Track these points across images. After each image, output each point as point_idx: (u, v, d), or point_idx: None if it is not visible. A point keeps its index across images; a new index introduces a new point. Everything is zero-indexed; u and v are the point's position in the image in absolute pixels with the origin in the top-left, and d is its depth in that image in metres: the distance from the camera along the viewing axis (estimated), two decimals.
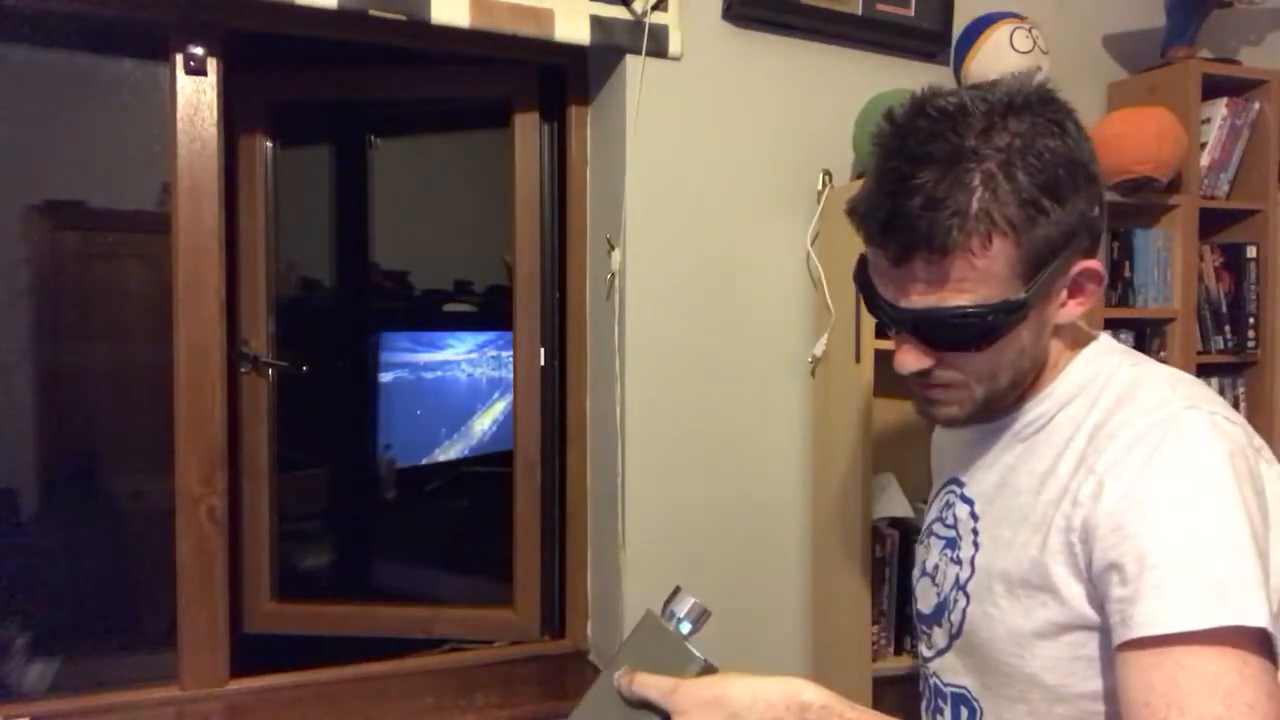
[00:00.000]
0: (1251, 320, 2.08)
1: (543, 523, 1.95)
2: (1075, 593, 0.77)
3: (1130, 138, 1.83)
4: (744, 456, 1.81)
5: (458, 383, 2.47)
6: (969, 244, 0.74)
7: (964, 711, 0.90)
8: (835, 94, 1.83)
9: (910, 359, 0.83)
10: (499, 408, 2.46)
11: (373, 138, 2.37)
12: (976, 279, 0.75)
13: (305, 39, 1.65)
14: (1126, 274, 1.97)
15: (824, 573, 1.83)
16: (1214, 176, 2.07)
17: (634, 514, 1.72)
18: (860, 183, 0.83)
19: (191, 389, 1.66)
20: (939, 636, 0.93)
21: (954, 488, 0.97)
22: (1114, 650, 0.71)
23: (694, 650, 0.71)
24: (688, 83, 1.73)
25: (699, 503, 1.77)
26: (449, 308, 2.58)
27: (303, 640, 1.95)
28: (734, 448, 1.80)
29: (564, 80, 1.87)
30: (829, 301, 1.77)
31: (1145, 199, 1.94)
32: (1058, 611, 0.78)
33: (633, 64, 1.69)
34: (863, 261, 0.85)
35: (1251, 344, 2.08)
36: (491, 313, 2.43)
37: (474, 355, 2.47)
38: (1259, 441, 0.77)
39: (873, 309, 0.84)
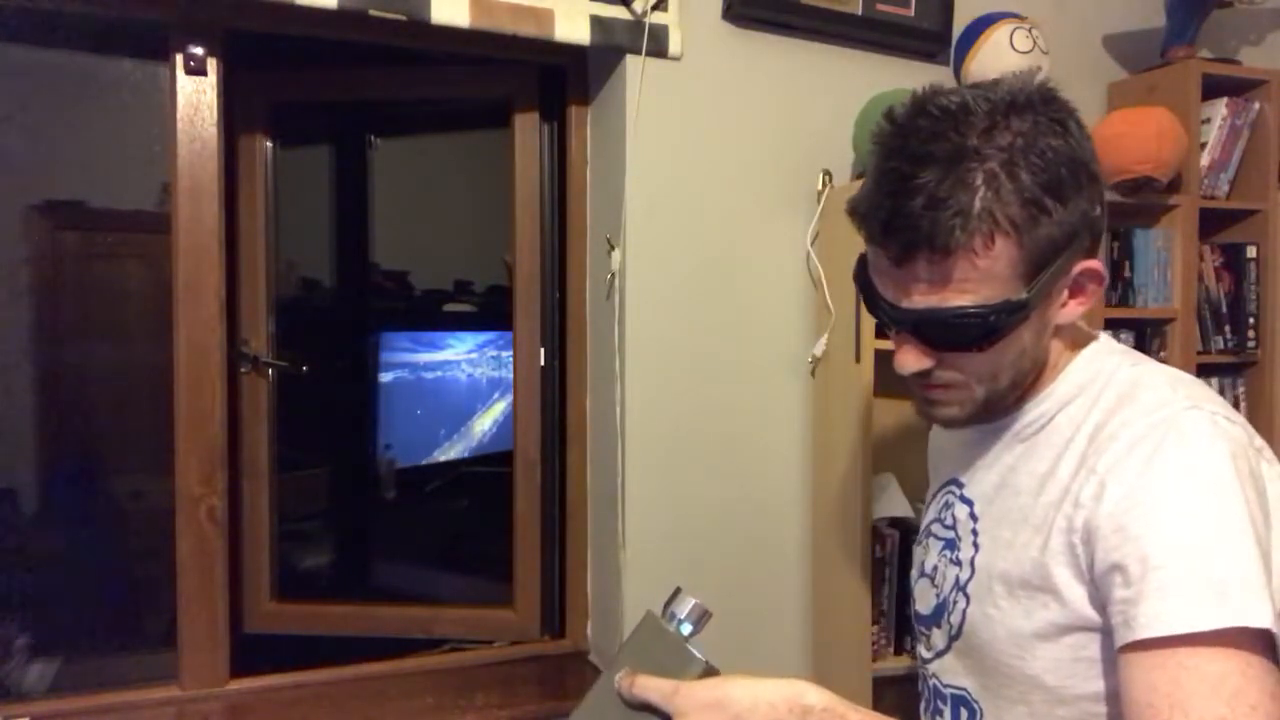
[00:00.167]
0: (1251, 320, 2.08)
1: (543, 523, 1.95)
2: (1077, 594, 0.76)
3: (1130, 138, 1.83)
4: (744, 456, 1.81)
5: (458, 383, 2.47)
6: (971, 244, 0.73)
7: (964, 713, 0.89)
8: (835, 94, 1.83)
9: (910, 359, 0.82)
10: (499, 408, 2.46)
11: (373, 138, 2.37)
12: (979, 279, 0.75)
13: (305, 39, 1.65)
14: (1126, 274, 1.97)
15: (824, 573, 1.83)
16: (1214, 176, 2.07)
17: (634, 514, 1.72)
18: (860, 183, 0.83)
19: (191, 389, 1.66)
20: (938, 638, 0.93)
21: (953, 488, 0.96)
22: (1116, 652, 0.71)
23: (695, 652, 0.71)
24: (688, 83, 1.73)
25: (699, 503, 1.77)
26: (449, 308, 2.58)
27: (303, 640, 1.95)
28: (734, 448, 1.80)
29: (564, 80, 1.87)
30: (829, 301, 1.77)
31: (1145, 199, 1.94)
32: (1059, 613, 0.78)
33: (633, 64, 1.68)
34: (862, 261, 0.84)
35: (1251, 344, 2.08)
36: (491, 313, 2.43)
37: (474, 355, 2.47)
38: (1260, 442, 0.77)
39: (872, 309, 0.83)
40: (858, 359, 1.69)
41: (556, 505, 1.97)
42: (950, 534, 0.94)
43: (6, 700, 1.73)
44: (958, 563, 0.90)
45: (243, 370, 1.91)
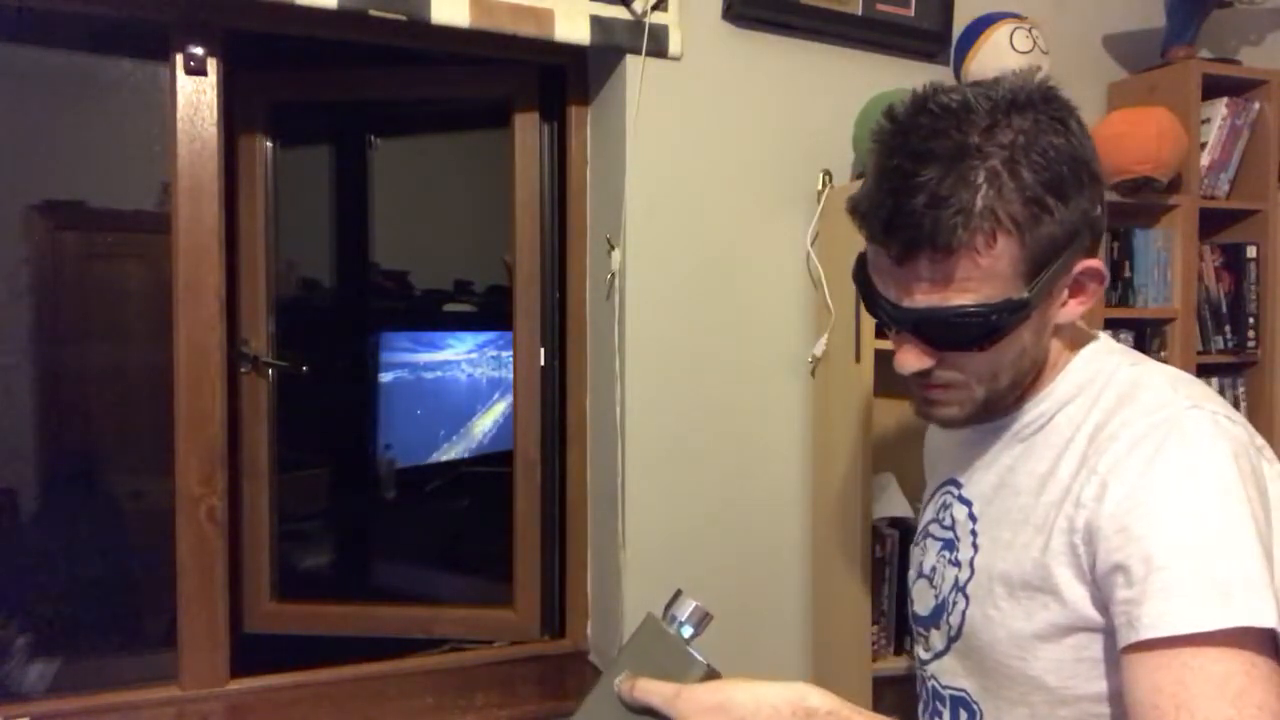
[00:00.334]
0: (1251, 320, 2.07)
1: (543, 523, 1.95)
2: (1078, 594, 0.76)
3: (1130, 138, 1.83)
4: (744, 456, 1.81)
5: (458, 383, 2.47)
6: (973, 242, 0.73)
7: (963, 714, 0.89)
8: (835, 94, 1.83)
9: (911, 359, 0.82)
10: (499, 408, 2.46)
11: (373, 138, 2.37)
12: (980, 278, 0.75)
13: (305, 39, 1.65)
14: (1126, 274, 1.97)
15: (824, 573, 1.82)
16: (1214, 176, 2.06)
17: (634, 514, 1.72)
18: (860, 182, 0.82)
19: (191, 389, 1.66)
20: (937, 639, 0.93)
21: (951, 488, 0.96)
22: (1119, 652, 0.71)
23: (696, 654, 0.70)
24: (688, 83, 1.73)
25: (699, 503, 1.77)
26: (449, 308, 2.58)
27: (303, 640, 1.95)
28: (734, 448, 1.80)
29: (564, 80, 1.87)
30: (829, 301, 1.77)
31: (1145, 199, 1.94)
32: (1059, 613, 0.77)
33: (633, 64, 1.68)
34: (861, 260, 0.84)
35: (1251, 344, 2.08)
36: (491, 313, 2.43)
37: (474, 355, 2.47)
38: (1261, 441, 0.77)
39: (872, 308, 0.83)
40: (858, 359, 1.68)
41: (556, 505, 1.97)
42: (949, 534, 0.93)
43: (6, 700, 1.73)
44: (957, 563, 0.90)
45: (243, 370, 1.91)
